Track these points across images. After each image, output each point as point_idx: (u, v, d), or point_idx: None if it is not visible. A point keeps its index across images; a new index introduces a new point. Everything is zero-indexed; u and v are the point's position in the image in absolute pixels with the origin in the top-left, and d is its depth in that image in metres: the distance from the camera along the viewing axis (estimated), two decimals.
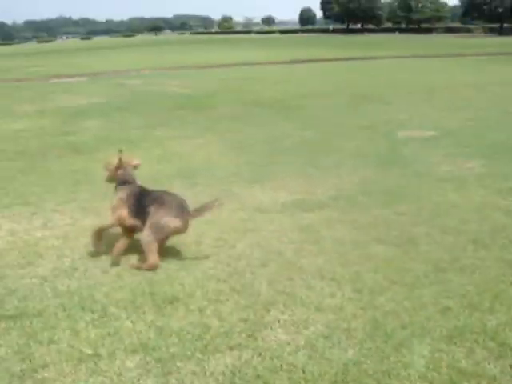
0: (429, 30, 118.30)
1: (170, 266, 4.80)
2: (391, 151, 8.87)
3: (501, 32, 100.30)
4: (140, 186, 5.18)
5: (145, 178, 7.42)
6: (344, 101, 14.72)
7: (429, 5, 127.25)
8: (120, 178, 5.24)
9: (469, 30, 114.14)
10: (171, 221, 4.74)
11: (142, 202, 4.95)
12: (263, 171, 7.75)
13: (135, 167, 5.39)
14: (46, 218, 6.20)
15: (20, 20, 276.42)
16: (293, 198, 6.59)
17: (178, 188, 7.00)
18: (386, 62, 31.77)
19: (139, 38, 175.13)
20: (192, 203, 5.04)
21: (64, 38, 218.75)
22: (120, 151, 5.25)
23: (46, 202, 6.78)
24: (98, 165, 8.46)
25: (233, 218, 5.94)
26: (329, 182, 7.20)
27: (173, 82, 21.43)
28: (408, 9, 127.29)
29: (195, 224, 5.68)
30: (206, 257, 4.95)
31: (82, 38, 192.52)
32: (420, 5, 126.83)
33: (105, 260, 4.97)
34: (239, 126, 11.20)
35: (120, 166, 5.25)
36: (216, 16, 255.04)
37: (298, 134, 10.34)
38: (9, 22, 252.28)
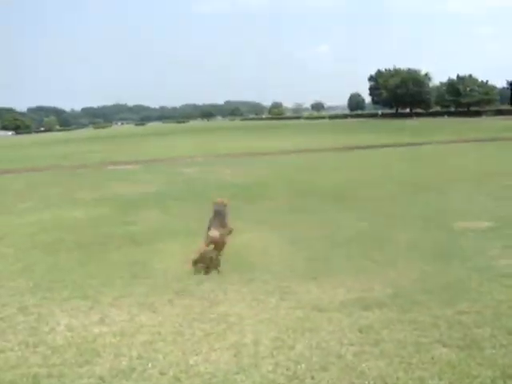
0: (478, 113, 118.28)
1: (228, 367, 4.76)
2: (448, 243, 8.73)
3: None
4: None
5: (200, 274, 7.52)
6: (396, 190, 14.68)
7: (477, 88, 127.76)
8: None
9: None
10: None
11: None
12: (320, 266, 7.70)
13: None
14: (103, 312, 6.27)
15: (78, 107, 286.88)
16: (351, 295, 6.52)
17: (233, 284, 7.04)
18: (436, 147, 31.71)
19: (191, 124, 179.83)
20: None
21: (119, 123, 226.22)
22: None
23: (104, 295, 6.87)
24: (155, 257, 8.62)
25: (291, 316, 5.89)
26: (386, 278, 7.11)
27: (225, 170, 21.79)
28: (456, 93, 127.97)
29: (252, 323, 5.69)
30: (265, 359, 4.90)
31: (137, 124, 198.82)
32: (468, 88, 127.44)
33: (162, 360, 4.97)
34: (295, 217, 11.23)
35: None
36: (266, 102, 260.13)
37: (352, 225, 10.31)
38: (67, 109, 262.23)
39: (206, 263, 7.79)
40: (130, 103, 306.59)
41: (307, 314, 5.96)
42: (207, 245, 7.83)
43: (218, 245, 7.91)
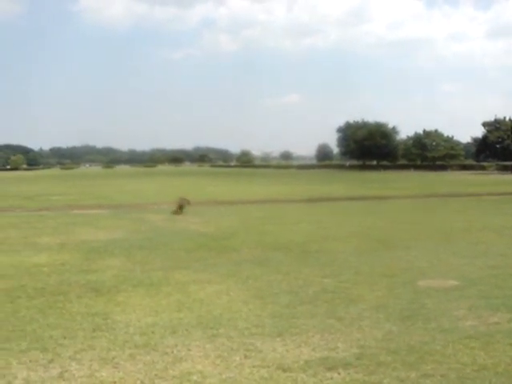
0: (443, 167, 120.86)
1: None
2: (413, 303, 8.73)
3: None
4: None
5: (164, 328, 7.41)
6: (362, 245, 14.73)
7: (443, 143, 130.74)
8: None
9: (483, 168, 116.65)
10: None
11: None
12: (285, 324, 7.61)
13: None
14: (63, 367, 6.10)
15: (46, 147, 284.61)
16: (316, 354, 6.45)
17: (197, 340, 6.93)
18: (403, 202, 32.14)
19: (159, 168, 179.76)
20: None
21: (87, 165, 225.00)
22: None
23: (64, 348, 6.70)
24: (117, 308, 8.47)
25: (255, 376, 5.80)
26: (351, 337, 7.06)
27: (193, 218, 21.70)
28: (423, 147, 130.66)
29: (216, 382, 5.58)
30: None
31: (104, 167, 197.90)
32: (434, 143, 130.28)
33: None
34: (261, 271, 11.14)
35: None
36: (235, 150, 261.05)
37: (318, 281, 10.26)
38: (35, 148, 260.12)
39: None
40: (99, 145, 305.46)
41: (271, 373, 5.87)
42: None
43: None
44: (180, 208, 23.65)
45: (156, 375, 5.83)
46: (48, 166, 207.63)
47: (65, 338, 7.09)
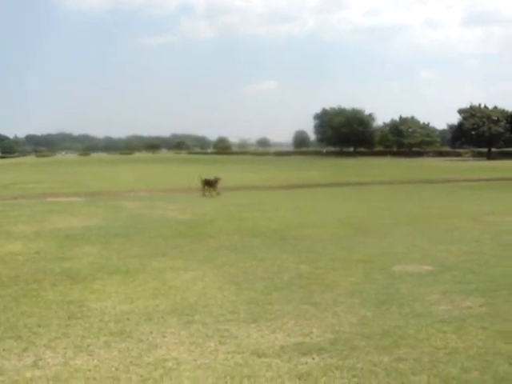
0: (419, 154, 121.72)
1: None
2: (388, 288, 8.81)
3: (489, 156, 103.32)
4: None
5: (139, 315, 7.41)
6: (339, 231, 14.80)
7: (419, 130, 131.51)
8: None
9: (458, 154, 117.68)
10: None
11: None
12: (260, 309, 7.65)
13: None
14: (37, 355, 6.08)
15: (21, 134, 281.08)
16: (290, 339, 6.49)
17: (172, 327, 6.93)
18: (380, 188, 32.34)
19: (136, 155, 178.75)
20: None
21: (63, 153, 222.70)
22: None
23: (39, 336, 6.67)
24: (93, 296, 8.44)
25: (230, 362, 5.83)
26: (326, 322, 7.11)
27: (170, 205, 21.66)
28: (399, 133, 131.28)
29: (190, 368, 5.60)
30: None
31: (81, 154, 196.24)
32: (410, 129, 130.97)
33: None
34: (237, 257, 11.17)
35: None
36: (212, 136, 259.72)
37: (294, 267, 10.31)
38: (10, 135, 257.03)
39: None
40: (76, 132, 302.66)
41: (246, 359, 5.90)
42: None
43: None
44: (210, 185, 25.07)
45: (131, 362, 5.84)
46: (23, 153, 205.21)
47: (39, 326, 7.06)
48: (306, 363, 5.80)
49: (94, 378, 5.45)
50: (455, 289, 8.74)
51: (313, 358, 5.92)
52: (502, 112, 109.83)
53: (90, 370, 5.64)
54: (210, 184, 25.20)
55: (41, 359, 5.96)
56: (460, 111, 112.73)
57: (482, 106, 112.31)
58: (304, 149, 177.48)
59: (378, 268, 10.24)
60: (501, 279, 9.32)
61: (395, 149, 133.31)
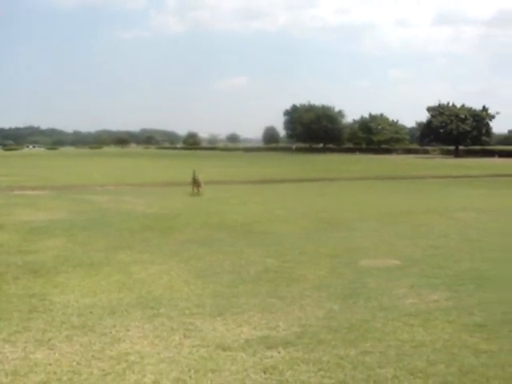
0: (388, 151, 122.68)
1: None
2: (355, 282, 8.78)
3: (457, 154, 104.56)
4: None
5: (103, 309, 7.27)
6: (308, 226, 14.78)
7: (388, 127, 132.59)
8: None
9: (426, 152, 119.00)
10: None
11: None
12: (226, 303, 7.55)
13: None
14: None
15: None
16: (256, 333, 6.41)
17: (136, 320, 6.81)
18: (349, 184, 32.46)
19: (105, 150, 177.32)
20: None
21: (30, 146, 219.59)
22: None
23: None
24: (56, 289, 8.26)
25: (194, 355, 5.72)
26: (292, 316, 7.05)
27: (138, 199, 21.42)
28: (368, 130, 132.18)
29: (154, 362, 5.49)
30: None
31: (49, 148, 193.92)
32: (380, 127, 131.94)
33: None
34: (204, 251, 11.05)
35: None
36: (182, 132, 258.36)
37: (261, 261, 10.22)
38: None
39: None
40: (44, 126, 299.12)
41: (211, 352, 5.80)
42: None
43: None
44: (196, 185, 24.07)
45: (93, 356, 5.70)
46: None
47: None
48: (272, 357, 5.72)
49: (55, 372, 5.30)
50: (422, 283, 8.74)
51: (278, 352, 5.85)
52: (470, 110, 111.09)
53: (50, 364, 5.49)
54: (196, 182, 24.24)
55: (0, 353, 5.80)
56: (429, 109, 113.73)
57: (451, 104, 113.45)
58: (274, 145, 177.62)
59: (345, 262, 10.21)
60: (466, 274, 9.36)
61: (364, 146, 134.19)
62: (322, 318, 7.00)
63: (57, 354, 5.75)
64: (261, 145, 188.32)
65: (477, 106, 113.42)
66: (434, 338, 6.30)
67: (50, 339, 6.18)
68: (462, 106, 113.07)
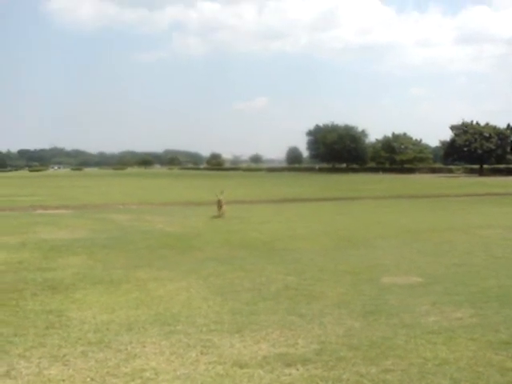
0: (412, 170, 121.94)
1: None
2: (376, 299, 8.61)
3: (481, 173, 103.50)
4: None
5: (120, 325, 7.18)
6: (328, 244, 14.62)
7: (411, 146, 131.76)
8: None
9: (450, 171, 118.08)
10: None
11: None
12: (245, 320, 7.42)
13: None
14: (10, 364, 5.86)
15: (14, 149, 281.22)
16: (274, 350, 6.27)
17: (153, 337, 6.71)
18: (372, 202, 32.17)
19: (129, 171, 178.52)
20: None
21: (55, 167, 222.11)
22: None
23: (14, 345, 6.45)
24: (73, 306, 8.20)
25: (210, 372, 5.61)
26: (312, 333, 6.90)
27: (159, 218, 21.42)
28: (391, 150, 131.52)
29: (169, 378, 5.37)
30: None
31: (73, 169, 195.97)
32: (403, 146, 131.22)
33: None
34: (224, 269, 10.95)
35: None
36: (205, 153, 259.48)
37: (281, 278, 10.09)
38: (3, 150, 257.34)
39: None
40: (68, 147, 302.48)
41: (227, 369, 5.68)
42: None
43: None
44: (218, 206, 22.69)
45: (107, 372, 5.61)
46: (16, 168, 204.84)
47: (15, 335, 6.82)
48: (290, 374, 5.58)
49: None
50: (445, 300, 8.55)
51: (297, 369, 5.71)
52: (494, 129, 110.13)
53: (63, 380, 5.42)
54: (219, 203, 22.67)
55: (13, 369, 5.74)
56: (452, 128, 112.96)
57: (474, 122, 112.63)
58: (297, 165, 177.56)
59: (366, 279, 10.04)
60: (492, 291, 9.14)
61: (387, 165, 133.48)
62: (342, 335, 6.84)
63: (71, 370, 5.67)
64: (284, 165, 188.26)
65: (501, 124, 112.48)
66: (458, 355, 6.11)
67: (64, 355, 6.11)
68: (486, 124, 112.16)
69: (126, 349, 6.30)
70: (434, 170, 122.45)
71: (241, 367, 5.75)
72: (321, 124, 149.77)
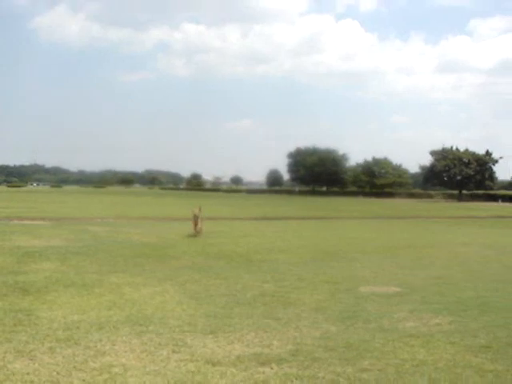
0: (391, 195, 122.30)
1: None
2: (354, 306, 8.48)
3: (460, 198, 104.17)
4: None
5: (90, 324, 6.97)
6: (307, 256, 14.50)
7: (391, 171, 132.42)
8: None
9: (429, 196, 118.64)
10: None
11: None
12: (219, 322, 7.25)
13: None
14: None
15: None
16: (249, 350, 6.11)
17: (124, 336, 6.51)
18: (351, 222, 32.16)
19: (109, 189, 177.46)
20: None
21: (34, 184, 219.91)
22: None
23: None
24: (43, 306, 7.96)
25: (181, 369, 5.43)
26: (288, 335, 6.74)
27: (136, 230, 21.16)
28: (371, 174, 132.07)
29: (138, 374, 5.20)
30: None
31: (53, 186, 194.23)
32: (383, 170, 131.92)
33: None
34: (199, 276, 10.77)
35: None
36: (186, 173, 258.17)
37: (258, 285, 9.93)
38: None
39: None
40: (48, 165, 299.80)
41: (199, 367, 5.50)
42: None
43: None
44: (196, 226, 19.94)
45: (74, 367, 5.42)
46: None
47: None
48: (264, 372, 5.42)
49: (32, 381, 5.02)
50: (423, 308, 8.46)
51: (271, 368, 5.55)
52: (473, 154, 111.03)
53: (28, 374, 5.21)
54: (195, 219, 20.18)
55: None
56: (432, 153, 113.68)
57: (454, 148, 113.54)
58: (277, 187, 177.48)
59: (344, 288, 9.92)
60: (470, 301, 9.07)
61: (368, 189, 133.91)
62: (319, 337, 6.69)
63: (36, 365, 5.46)
64: (264, 187, 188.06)
65: (480, 150, 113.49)
66: (436, 357, 5.99)
67: (31, 350, 5.90)
68: (466, 150, 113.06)
69: (96, 346, 6.10)
70: (413, 195, 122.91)
71: (213, 365, 5.58)
72: (302, 147, 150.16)
